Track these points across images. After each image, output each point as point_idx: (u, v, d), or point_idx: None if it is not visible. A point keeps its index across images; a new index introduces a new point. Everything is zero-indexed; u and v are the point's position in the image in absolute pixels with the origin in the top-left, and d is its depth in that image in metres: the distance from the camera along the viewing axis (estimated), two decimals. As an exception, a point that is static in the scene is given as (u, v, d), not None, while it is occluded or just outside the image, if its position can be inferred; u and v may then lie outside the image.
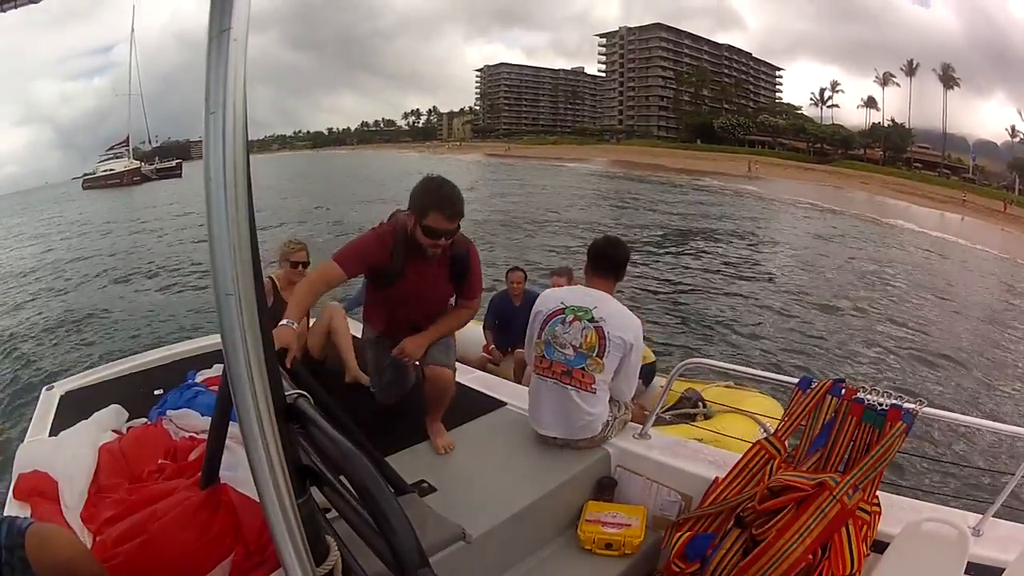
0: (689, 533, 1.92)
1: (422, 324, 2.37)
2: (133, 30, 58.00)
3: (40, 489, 1.89)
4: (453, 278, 2.36)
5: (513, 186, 30.50)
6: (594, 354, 2.26)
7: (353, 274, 2.19)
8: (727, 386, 3.84)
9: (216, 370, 2.82)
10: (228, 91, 0.70)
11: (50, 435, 2.41)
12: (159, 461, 2.07)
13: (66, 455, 2.04)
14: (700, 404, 3.62)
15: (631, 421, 2.47)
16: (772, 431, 3.15)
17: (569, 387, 2.27)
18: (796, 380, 2.03)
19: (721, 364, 2.64)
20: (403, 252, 2.23)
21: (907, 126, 53.95)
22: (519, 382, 3.55)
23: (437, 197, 2.11)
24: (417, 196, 2.14)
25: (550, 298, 2.42)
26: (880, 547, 1.74)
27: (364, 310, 2.57)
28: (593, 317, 2.27)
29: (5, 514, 1.52)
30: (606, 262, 2.41)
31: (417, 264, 2.25)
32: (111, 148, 55.49)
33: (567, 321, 2.29)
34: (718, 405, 3.54)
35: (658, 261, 12.88)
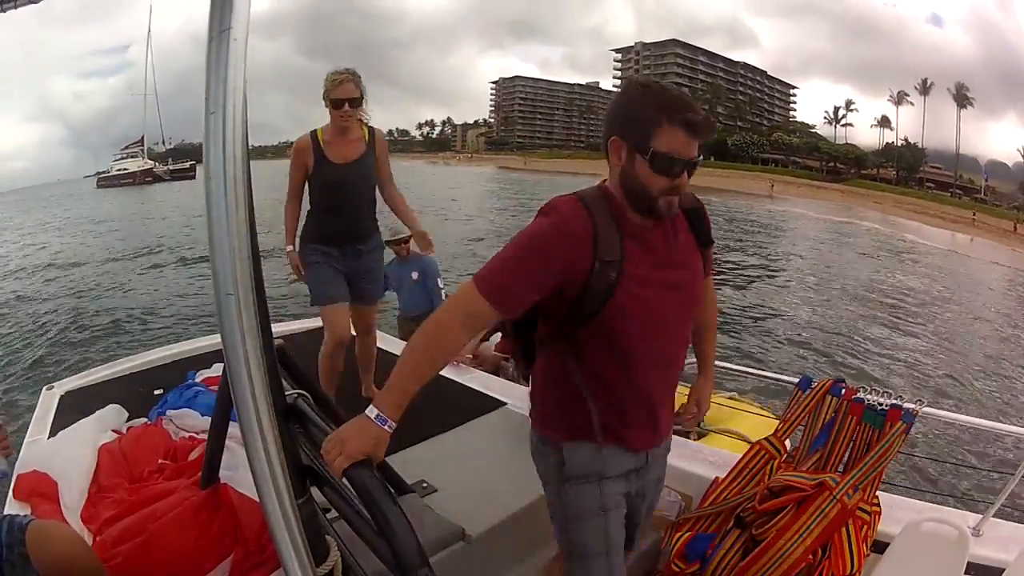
0: (689, 533, 1.92)
1: (676, 360, 1.37)
2: (150, 31, 58.58)
3: (40, 489, 1.89)
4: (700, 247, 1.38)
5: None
6: None
7: (519, 307, 1.19)
8: (731, 398, 3.81)
9: (216, 370, 2.81)
10: (228, 91, 0.70)
11: (50, 435, 2.41)
12: (159, 461, 2.06)
13: (66, 455, 2.04)
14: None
15: None
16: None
17: None
18: (796, 380, 2.03)
19: (721, 364, 2.64)
20: (615, 232, 1.22)
21: (920, 146, 54.28)
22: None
23: (668, 98, 1.18)
24: (629, 107, 1.21)
25: None
26: (880, 547, 1.74)
27: (547, 406, 1.38)
28: None
29: (5, 513, 1.52)
30: None
31: (643, 247, 1.25)
32: (126, 148, 56.59)
33: None
34: (718, 408, 3.50)
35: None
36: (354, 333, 2.90)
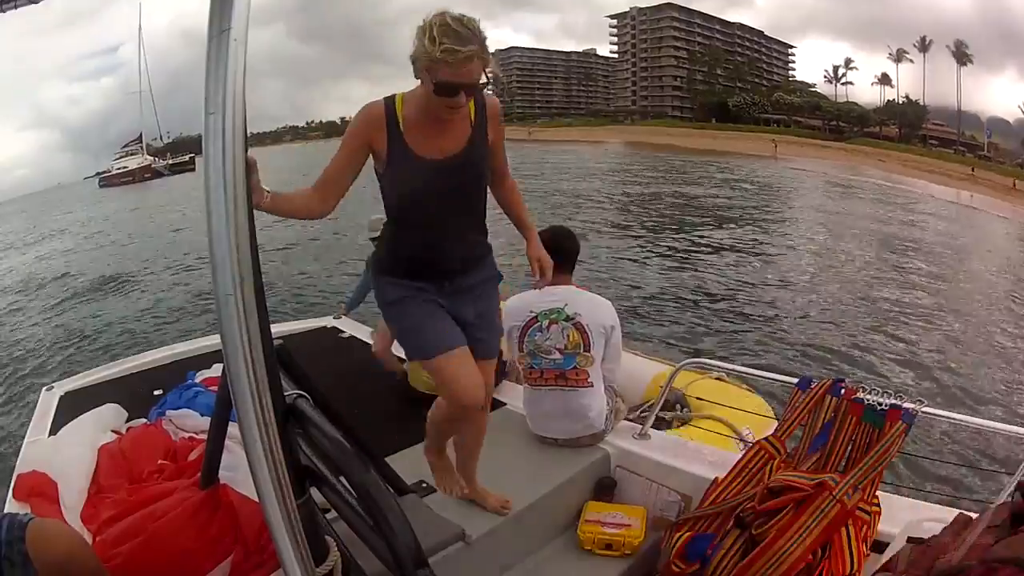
0: (689, 533, 1.91)
1: None
2: (141, 28, 59.02)
3: (40, 490, 1.89)
4: None
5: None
6: (581, 350, 2.26)
7: None
8: (719, 378, 3.79)
9: (216, 370, 2.82)
10: (228, 91, 0.70)
11: (50, 435, 2.41)
12: (159, 461, 2.07)
13: (65, 455, 2.05)
14: (679, 406, 3.58)
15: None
16: (749, 442, 3.17)
17: (567, 389, 2.27)
18: (796, 380, 2.03)
19: (721, 364, 2.65)
20: None
21: (922, 103, 53.96)
22: None
23: None
24: None
25: (517, 309, 2.35)
26: (880, 547, 1.74)
27: None
28: (568, 315, 2.27)
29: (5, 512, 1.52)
30: (567, 256, 2.37)
31: None
32: (125, 146, 57.27)
33: (544, 327, 2.28)
34: (704, 401, 3.47)
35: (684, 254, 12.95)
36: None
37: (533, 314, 2.30)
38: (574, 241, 2.43)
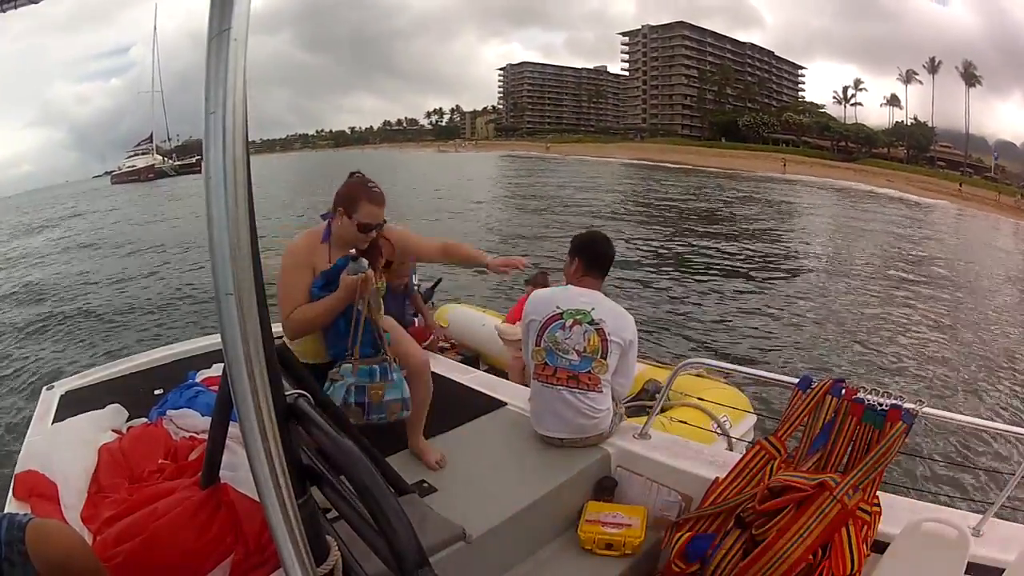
0: (689, 533, 1.92)
1: None
2: (156, 28, 60.26)
3: (39, 489, 1.89)
4: None
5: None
6: (598, 356, 2.26)
7: None
8: (698, 374, 3.79)
9: (216, 370, 2.81)
10: (228, 91, 0.70)
11: (50, 435, 2.41)
12: (159, 461, 2.06)
13: (65, 455, 2.04)
14: (657, 396, 3.58)
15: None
16: (725, 428, 3.20)
17: (577, 391, 2.26)
18: (796, 380, 2.03)
19: (721, 364, 2.65)
20: None
21: (930, 125, 54.12)
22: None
23: None
24: None
25: (543, 302, 2.35)
26: (880, 547, 1.74)
27: None
28: (593, 319, 2.26)
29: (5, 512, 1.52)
30: (602, 261, 2.38)
31: None
32: (138, 145, 58.97)
33: (567, 326, 2.27)
34: (679, 394, 3.46)
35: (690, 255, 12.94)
36: None
37: (559, 310, 2.30)
38: (609, 247, 2.43)
